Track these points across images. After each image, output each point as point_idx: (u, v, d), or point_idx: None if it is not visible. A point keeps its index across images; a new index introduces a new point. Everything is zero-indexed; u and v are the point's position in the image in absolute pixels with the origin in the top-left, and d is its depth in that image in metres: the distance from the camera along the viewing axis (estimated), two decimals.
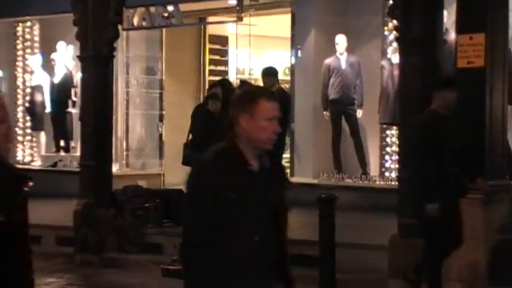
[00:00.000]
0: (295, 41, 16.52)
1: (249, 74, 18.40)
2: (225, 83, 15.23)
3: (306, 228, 10.24)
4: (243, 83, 15.70)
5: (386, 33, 14.87)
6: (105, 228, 13.09)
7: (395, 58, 12.75)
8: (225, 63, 19.18)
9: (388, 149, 15.07)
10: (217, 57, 19.15)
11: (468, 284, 9.78)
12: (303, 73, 16.39)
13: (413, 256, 10.05)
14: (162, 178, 17.92)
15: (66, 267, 12.91)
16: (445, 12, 10.86)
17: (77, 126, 17.02)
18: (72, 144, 18.94)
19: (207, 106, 12.80)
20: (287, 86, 17.02)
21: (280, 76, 17.68)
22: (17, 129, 20.73)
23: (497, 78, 10.14)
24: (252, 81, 16.92)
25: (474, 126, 10.10)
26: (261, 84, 13.22)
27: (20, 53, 20.91)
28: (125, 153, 18.81)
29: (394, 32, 12.48)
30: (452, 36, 10.76)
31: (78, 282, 12.24)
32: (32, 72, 20.43)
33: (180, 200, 13.62)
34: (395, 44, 12.87)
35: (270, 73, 13.17)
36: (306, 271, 10.07)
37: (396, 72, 12.29)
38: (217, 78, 17.75)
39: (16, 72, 20.98)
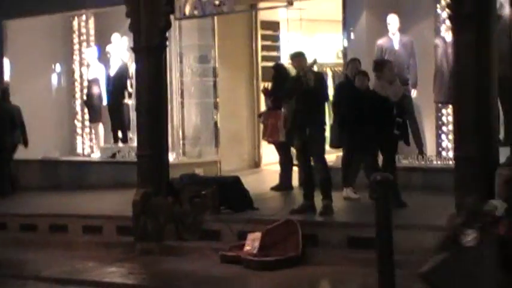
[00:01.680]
0: (347, 23, 16.45)
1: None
2: (279, 65, 15.29)
3: (364, 210, 10.18)
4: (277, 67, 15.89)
5: (438, 11, 14.76)
6: (163, 216, 13.17)
7: (449, 36, 12.66)
8: (277, 48, 19.17)
9: (444, 128, 14.95)
10: (269, 42, 19.19)
11: None
12: (356, 55, 16.28)
13: None
14: (218, 165, 17.97)
15: (126, 256, 12.98)
16: None
17: (133, 117, 17.18)
18: (130, 135, 19.03)
19: (353, 83, 13.13)
20: (340, 69, 16.99)
21: (333, 59, 17.73)
22: (75, 121, 20.96)
23: None
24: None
25: None
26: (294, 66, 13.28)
27: (76, 46, 20.96)
28: (181, 142, 18.85)
29: (447, 10, 12.42)
30: (507, 10, 10.72)
31: (138, 270, 12.31)
32: (88, 66, 20.53)
33: (236, 186, 13.74)
34: (448, 22, 12.75)
35: (297, 55, 13.23)
36: (362, 253, 10.14)
37: (450, 51, 12.22)
38: (270, 63, 17.86)
39: (73, 65, 21.05)
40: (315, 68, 13.55)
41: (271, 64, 17.67)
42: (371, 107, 12.18)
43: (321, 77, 13.17)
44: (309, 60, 13.09)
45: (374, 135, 12.28)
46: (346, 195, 13.32)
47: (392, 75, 12.92)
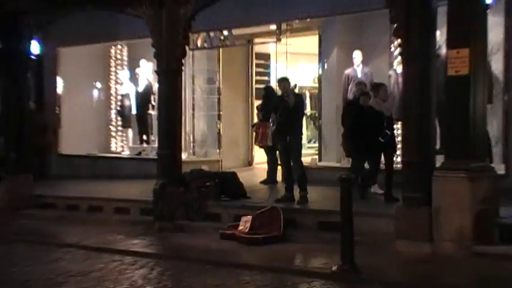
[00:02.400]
0: (322, 56, 16.49)
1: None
2: (269, 87, 15.21)
3: (332, 200, 10.14)
4: (267, 89, 15.84)
5: (392, 49, 14.76)
6: (176, 202, 13.16)
7: (400, 69, 12.62)
8: (268, 74, 19.11)
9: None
10: (261, 69, 19.13)
11: (457, 243, 9.73)
12: (328, 81, 16.34)
13: (414, 224, 10.05)
14: (219, 163, 17.95)
15: (147, 231, 12.98)
16: (437, 32, 10.74)
17: (155, 124, 17.11)
18: (152, 138, 19.04)
19: (359, 102, 12.96)
20: (315, 91, 16.97)
21: (310, 84, 17.70)
22: (111, 126, 21.07)
23: (479, 84, 10.08)
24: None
25: (461, 120, 10.02)
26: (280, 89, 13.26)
27: (112, 69, 21.10)
28: (191, 144, 18.92)
29: (399, 48, 12.41)
30: (443, 51, 10.67)
31: (156, 243, 12.33)
32: (121, 84, 20.60)
33: (233, 180, 13.69)
34: (399, 58, 12.72)
35: (282, 80, 13.22)
36: (330, 235, 10.08)
37: (400, 80, 12.17)
38: (261, 86, 17.85)
39: (110, 83, 21.09)
40: (296, 90, 13.51)
41: (262, 86, 17.68)
42: (370, 120, 12.09)
43: (299, 98, 13.07)
44: (292, 84, 13.12)
45: (371, 142, 12.16)
46: (374, 191, 13.10)
47: (386, 95, 12.83)
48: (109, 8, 15.20)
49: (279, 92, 13.43)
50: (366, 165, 12.98)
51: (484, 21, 10.28)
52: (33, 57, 18.00)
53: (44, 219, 15.05)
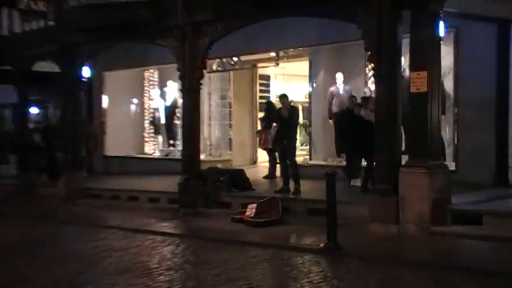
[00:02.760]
0: (311, 77, 16.48)
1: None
2: (269, 102, 15.22)
3: (319, 191, 10.16)
4: (268, 103, 15.78)
5: (367, 71, 14.76)
6: (196, 193, 13.14)
7: (373, 87, 12.61)
8: (268, 91, 19.10)
9: None
10: (263, 87, 19.09)
11: (418, 225, 9.75)
12: (316, 97, 16.35)
13: (384, 210, 10.06)
14: (230, 162, 17.92)
15: (174, 216, 12.95)
16: (402, 58, 10.74)
17: (179, 132, 17.15)
18: (177, 142, 19.02)
19: (354, 112, 12.98)
20: (306, 105, 16.96)
21: (302, 99, 17.70)
22: (144, 133, 21.06)
23: (434, 99, 10.10)
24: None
25: (421, 127, 10.05)
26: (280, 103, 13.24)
27: (146, 88, 21.07)
28: (208, 147, 18.87)
29: (372, 71, 12.40)
30: (407, 73, 10.67)
31: (180, 225, 12.33)
32: (153, 100, 20.62)
33: (241, 175, 13.71)
34: (372, 78, 12.73)
35: (283, 96, 13.14)
36: (318, 219, 10.09)
37: (374, 96, 12.17)
38: (263, 100, 17.88)
39: (144, 99, 21.08)
40: (292, 104, 13.54)
41: (264, 101, 17.70)
42: (361, 126, 12.04)
43: (293, 110, 12.99)
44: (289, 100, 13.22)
45: (361, 144, 12.07)
46: (354, 184, 13.02)
47: (373, 106, 12.71)
48: (143, 41, 15.28)
49: (279, 106, 13.45)
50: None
51: (438, 50, 10.30)
52: (84, 79, 18.13)
53: (92, 206, 15.09)
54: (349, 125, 12.84)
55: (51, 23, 16.82)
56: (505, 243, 8.91)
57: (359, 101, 13.61)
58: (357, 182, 12.82)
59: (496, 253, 8.65)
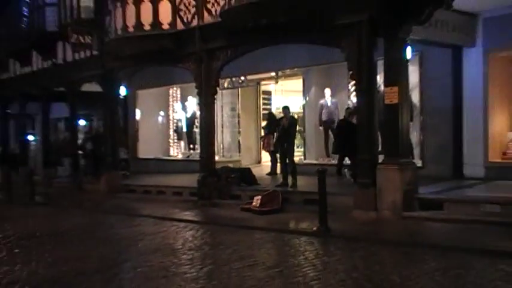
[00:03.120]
0: (305, 92, 16.39)
1: (281, 109, 18.04)
2: (271, 113, 15.08)
3: (313, 185, 10.10)
4: (270, 114, 15.69)
5: (350, 86, 14.67)
6: (212, 187, 13.09)
7: (354, 99, 12.57)
8: (270, 104, 18.99)
9: None
10: (265, 101, 18.96)
11: (392, 211, 9.71)
12: (309, 108, 16.30)
13: (365, 199, 10.00)
14: (240, 162, 17.75)
15: (193, 206, 12.89)
16: (378, 76, 10.72)
17: (198, 138, 17.08)
18: (196, 146, 18.85)
19: (349, 119, 12.72)
20: (301, 115, 16.89)
21: (298, 110, 17.63)
22: (170, 140, 20.95)
23: (404, 109, 10.05)
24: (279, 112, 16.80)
25: (393, 132, 10.00)
26: (282, 114, 13.12)
27: (170, 102, 20.91)
28: (221, 150, 18.80)
29: (353, 87, 12.37)
30: (382, 88, 10.63)
31: (199, 214, 12.20)
32: (176, 112, 20.56)
33: (249, 173, 13.65)
34: (354, 93, 12.69)
35: (285, 108, 13.05)
36: (312, 207, 10.04)
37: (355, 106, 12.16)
38: (265, 111, 17.82)
39: (169, 112, 20.97)
40: (292, 115, 13.42)
41: (266, 112, 17.64)
42: (353, 132, 11.69)
43: (293, 120, 12.90)
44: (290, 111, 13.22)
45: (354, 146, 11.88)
46: (345, 174, 12.94)
47: None
48: (168, 65, 15.27)
49: (279, 115, 13.40)
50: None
51: (406, 69, 10.26)
52: (121, 97, 18.16)
53: (128, 199, 15.05)
54: (346, 131, 12.47)
55: (95, 52, 16.86)
56: (460, 224, 8.91)
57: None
58: (348, 173, 12.72)
59: (453, 232, 8.63)
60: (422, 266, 6.84)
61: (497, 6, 11.21)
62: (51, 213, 13.77)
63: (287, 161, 12.68)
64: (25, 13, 20.63)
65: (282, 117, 13.09)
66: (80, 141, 19.53)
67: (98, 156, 17.88)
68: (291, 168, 12.60)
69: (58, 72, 18.80)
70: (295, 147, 13.29)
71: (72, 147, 18.78)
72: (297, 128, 14.15)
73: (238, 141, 18.89)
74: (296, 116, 16.16)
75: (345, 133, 12.42)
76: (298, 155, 16.80)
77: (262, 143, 16.30)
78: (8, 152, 23.60)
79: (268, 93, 19.01)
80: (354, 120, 12.15)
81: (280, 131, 12.78)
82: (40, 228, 11.12)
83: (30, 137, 23.62)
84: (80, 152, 19.11)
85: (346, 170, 12.98)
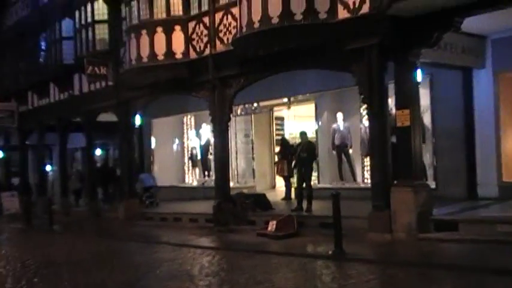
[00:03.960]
0: (317, 117, 16.39)
1: (294, 134, 18.05)
2: (284, 138, 14.99)
3: (327, 209, 10.07)
4: (283, 139, 15.68)
5: (361, 110, 14.62)
6: (228, 213, 13.05)
7: (366, 123, 12.59)
8: (283, 129, 18.91)
9: (365, 167, 14.81)
10: (278, 126, 18.88)
11: (407, 233, 9.66)
12: (321, 132, 16.28)
13: (380, 221, 9.96)
14: (254, 188, 17.65)
15: (209, 233, 12.90)
16: (389, 100, 10.74)
17: (213, 165, 17.13)
18: (211, 173, 18.85)
19: None
20: (314, 139, 16.86)
21: (311, 134, 17.59)
22: (185, 167, 20.90)
23: (416, 131, 10.09)
24: (292, 138, 16.82)
25: (406, 154, 10.01)
26: (299, 139, 13.19)
27: (185, 130, 20.94)
28: (236, 176, 18.77)
29: (365, 110, 12.37)
30: (393, 111, 10.63)
31: (216, 240, 12.24)
32: (191, 140, 20.58)
33: (263, 198, 13.64)
34: (366, 116, 12.70)
35: (302, 133, 13.17)
36: (327, 231, 10.01)
37: (367, 130, 12.12)
38: (279, 137, 17.78)
39: (184, 140, 20.90)
40: (309, 141, 13.40)
41: (279, 138, 17.58)
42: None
43: (311, 145, 12.98)
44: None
45: None
46: None
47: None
48: (182, 93, 15.40)
49: (293, 140, 13.39)
50: None
51: (417, 92, 10.29)
52: (136, 126, 18.31)
53: (146, 227, 15.09)
54: None
55: (110, 83, 17.09)
56: (476, 244, 8.85)
57: None
58: None
59: (469, 253, 8.58)
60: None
61: (506, 28, 11.23)
62: (70, 241, 13.85)
63: (304, 186, 12.65)
64: (43, 47, 21.03)
65: (299, 143, 13.12)
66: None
67: (114, 186, 17.91)
68: (307, 193, 12.59)
69: (75, 103, 19.07)
70: (312, 171, 13.25)
71: (111, 175, 18.77)
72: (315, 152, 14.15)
73: (253, 167, 18.86)
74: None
75: None
76: (312, 179, 16.82)
77: (276, 168, 16.29)
78: (28, 182, 23.86)
79: (281, 118, 19.03)
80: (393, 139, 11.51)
81: (297, 156, 12.79)
82: (59, 256, 11.20)
83: (48, 167, 23.82)
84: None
85: None
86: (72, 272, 9.37)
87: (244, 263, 9.14)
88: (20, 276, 9.19)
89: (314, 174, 16.70)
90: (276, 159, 16.60)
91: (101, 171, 20.38)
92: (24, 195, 21.44)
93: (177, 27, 14.06)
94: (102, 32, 17.30)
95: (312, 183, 13.07)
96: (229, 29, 13.00)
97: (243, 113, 18.16)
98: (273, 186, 18.37)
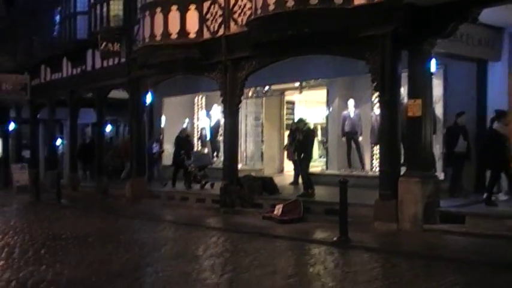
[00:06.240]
0: (329, 103, 16.36)
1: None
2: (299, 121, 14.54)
3: (334, 196, 10.07)
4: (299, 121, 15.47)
5: (373, 98, 14.54)
6: (234, 195, 13.07)
7: (378, 111, 12.54)
8: (293, 113, 18.85)
9: (374, 156, 14.78)
10: (289, 111, 18.88)
11: (413, 223, 9.67)
12: (332, 119, 16.25)
13: (386, 211, 9.94)
14: (262, 171, 17.74)
15: (216, 213, 12.99)
16: (402, 89, 10.68)
17: (222, 146, 17.10)
18: (220, 154, 18.68)
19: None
20: (324, 125, 16.83)
21: (321, 121, 17.57)
22: (195, 148, 20.75)
23: (427, 122, 10.09)
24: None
25: (416, 144, 9.96)
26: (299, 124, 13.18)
27: (195, 110, 20.79)
28: (244, 158, 18.81)
29: (377, 98, 12.30)
30: (405, 100, 10.59)
31: (222, 221, 12.24)
32: (201, 120, 20.53)
33: (271, 182, 13.65)
34: (378, 104, 12.63)
35: (300, 120, 13.19)
36: (333, 217, 10.03)
37: (378, 118, 12.11)
38: (289, 121, 17.76)
39: (194, 120, 20.79)
40: (307, 127, 13.30)
41: (290, 122, 17.50)
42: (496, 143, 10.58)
43: (307, 132, 12.81)
44: (307, 123, 13.22)
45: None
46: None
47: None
48: (194, 74, 15.37)
49: (307, 124, 13.29)
50: None
51: (430, 82, 10.25)
52: (147, 104, 18.28)
53: (153, 205, 15.16)
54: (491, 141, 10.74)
55: (123, 60, 17.06)
56: (482, 238, 8.84)
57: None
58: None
59: (474, 246, 8.54)
60: (441, 280, 6.77)
61: None
62: (77, 216, 13.96)
63: (300, 171, 12.66)
64: (57, 22, 21.00)
65: (295, 129, 13.12)
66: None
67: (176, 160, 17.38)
68: (303, 179, 12.60)
69: (87, 79, 19.07)
70: (310, 159, 13.16)
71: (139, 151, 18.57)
72: (315, 138, 14.09)
73: (261, 151, 18.86)
74: (313, 127, 16.19)
75: (489, 144, 10.70)
76: (320, 165, 16.81)
77: (286, 152, 16.25)
78: (37, 155, 24.02)
79: (292, 103, 18.99)
80: (496, 126, 10.70)
81: (296, 142, 12.82)
82: (65, 230, 11.28)
83: (59, 141, 23.95)
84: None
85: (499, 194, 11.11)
86: (78, 247, 9.44)
87: (248, 245, 9.17)
88: (28, 248, 9.28)
89: (322, 160, 16.81)
90: (285, 143, 16.58)
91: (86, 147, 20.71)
92: (34, 169, 21.58)
93: (192, 7, 13.99)
94: (116, 8, 17.19)
95: (316, 169, 13.06)
96: (244, 10, 12.93)
97: (254, 95, 18.12)
98: (281, 171, 18.38)
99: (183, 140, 16.81)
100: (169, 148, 17.37)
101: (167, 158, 18.12)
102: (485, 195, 10.43)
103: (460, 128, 11.50)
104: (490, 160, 10.55)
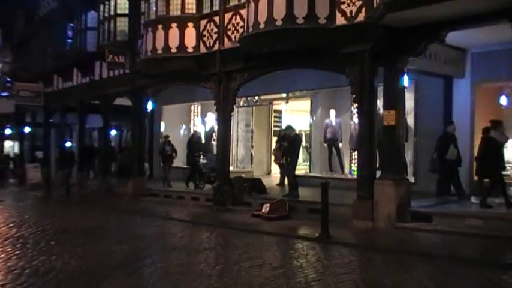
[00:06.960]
0: (312, 112, 16.32)
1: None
2: (287, 128, 14.37)
3: (316, 196, 10.04)
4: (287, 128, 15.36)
5: (352, 108, 14.52)
6: (226, 195, 12.97)
7: (356, 120, 12.51)
8: (280, 121, 18.76)
9: (352, 160, 14.74)
10: (276, 119, 18.78)
11: (387, 222, 9.64)
12: (315, 126, 16.21)
13: (363, 210, 9.90)
14: (252, 173, 17.65)
15: (209, 211, 12.82)
16: (378, 101, 10.66)
17: (215, 150, 16.92)
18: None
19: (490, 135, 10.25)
20: (308, 132, 16.78)
21: (305, 128, 17.52)
22: None
23: (400, 131, 10.08)
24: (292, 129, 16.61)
25: (390, 151, 9.94)
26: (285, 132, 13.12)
27: (191, 117, 20.78)
28: (235, 161, 18.73)
29: (356, 108, 12.28)
30: (381, 111, 10.56)
31: (214, 218, 12.02)
32: (197, 126, 20.43)
33: (259, 182, 13.57)
34: (356, 114, 12.62)
35: (287, 127, 13.12)
36: (315, 216, 9.98)
37: (357, 127, 12.08)
38: (277, 129, 17.69)
39: (190, 126, 20.72)
40: (295, 133, 13.24)
41: (277, 129, 17.43)
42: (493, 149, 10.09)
43: (293, 138, 12.63)
44: (295, 130, 13.21)
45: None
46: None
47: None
48: (191, 84, 15.30)
49: (292, 132, 13.19)
50: None
51: (403, 95, 10.24)
52: (148, 111, 18.19)
53: (152, 202, 15.04)
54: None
55: (127, 71, 16.98)
56: (447, 235, 8.85)
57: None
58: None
59: (441, 242, 8.56)
60: (412, 272, 6.78)
61: (484, 43, 11.22)
62: (83, 212, 13.82)
63: (287, 175, 12.58)
64: (69, 36, 21.03)
65: (283, 135, 13.06)
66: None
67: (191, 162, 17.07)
68: (289, 181, 12.56)
69: (94, 87, 18.97)
70: (299, 161, 13.11)
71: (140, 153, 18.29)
72: (302, 144, 14.03)
73: (251, 154, 18.77)
74: (304, 134, 16.13)
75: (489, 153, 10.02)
76: (304, 168, 16.77)
77: (274, 156, 16.18)
78: (49, 156, 23.87)
79: (279, 112, 18.93)
80: (499, 137, 10.15)
81: (283, 148, 12.77)
82: (73, 224, 11.18)
83: (68, 144, 23.82)
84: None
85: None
86: (84, 239, 9.35)
87: (238, 240, 9.10)
88: (40, 239, 9.23)
89: (306, 164, 16.75)
90: (274, 147, 16.51)
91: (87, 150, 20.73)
92: (46, 168, 21.52)
93: (190, 24, 13.98)
94: (122, 24, 17.24)
95: (301, 172, 12.99)
96: (237, 28, 12.95)
97: (245, 104, 18.06)
98: (269, 173, 18.29)
99: (196, 143, 16.74)
100: (169, 150, 17.23)
101: (179, 159, 17.98)
102: (504, 201, 9.64)
103: (450, 136, 11.35)
104: (491, 168, 9.87)
